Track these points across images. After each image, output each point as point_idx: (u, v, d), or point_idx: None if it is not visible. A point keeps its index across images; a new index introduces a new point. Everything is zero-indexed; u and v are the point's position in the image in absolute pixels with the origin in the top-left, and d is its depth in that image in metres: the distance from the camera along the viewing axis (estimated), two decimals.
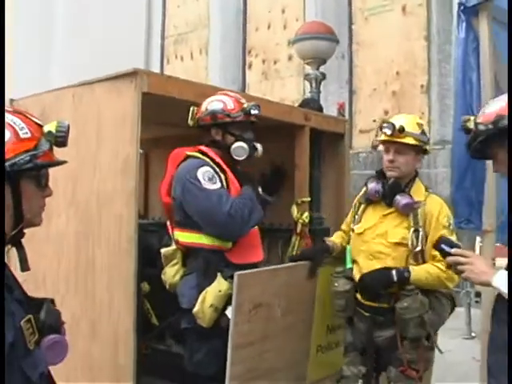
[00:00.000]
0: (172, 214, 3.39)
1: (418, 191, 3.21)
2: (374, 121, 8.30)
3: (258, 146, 3.38)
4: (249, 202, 3.18)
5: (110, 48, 9.91)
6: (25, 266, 1.64)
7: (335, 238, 3.63)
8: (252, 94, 4.87)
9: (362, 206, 3.36)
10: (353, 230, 3.36)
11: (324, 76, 5.64)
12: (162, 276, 3.43)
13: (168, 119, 4.37)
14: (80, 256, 3.50)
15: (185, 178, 3.18)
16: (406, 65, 8.25)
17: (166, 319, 4.78)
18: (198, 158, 3.27)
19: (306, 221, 4.42)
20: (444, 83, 7.60)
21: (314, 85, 5.54)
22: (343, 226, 3.60)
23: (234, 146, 3.27)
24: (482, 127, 2.33)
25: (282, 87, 9.57)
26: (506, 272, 2.24)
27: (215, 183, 3.14)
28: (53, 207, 3.44)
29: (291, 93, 9.27)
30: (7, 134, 1.57)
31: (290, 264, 3.53)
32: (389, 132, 3.17)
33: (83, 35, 10.74)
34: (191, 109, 3.36)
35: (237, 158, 3.28)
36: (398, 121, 3.20)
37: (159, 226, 5.04)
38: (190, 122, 3.36)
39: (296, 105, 5.35)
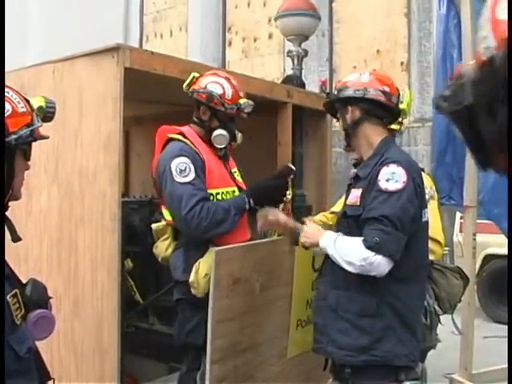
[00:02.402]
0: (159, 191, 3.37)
1: None
2: None
3: (239, 135, 3.36)
4: (219, 213, 3.10)
5: (88, 27, 9.76)
6: (16, 236, 1.63)
7: (317, 217, 3.66)
8: (235, 71, 4.82)
9: None
10: None
11: (306, 53, 5.62)
12: (154, 250, 3.42)
13: (150, 96, 4.33)
14: (63, 234, 3.47)
15: (163, 164, 3.16)
16: (386, 42, 8.23)
17: (148, 296, 4.78)
18: (180, 141, 3.23)
19: (289, 198, 4.42)
20: (424, 61, 7.63)
21: (295, 62, 5.51)
22: (334, 209, 3.59)
23: (214, 133, 3.25)
24: (334, 91, 2.76)
25: (262, 65, 9.52)
26: (332, 233, 2.58)
27: (186, 176, 3.09)
28: (34, 184, 3.40)
29: (271, 71, 9.23)
30: (8, 108, 1.57)
31: (269, 239, 3.53)
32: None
33: (61, 13, 10.56)
34: (192, 74, 3.31)
35: (217, 145, 3.27)
36: None
37: (140, 204, 5.03)
38: (185, 88, 3.31)
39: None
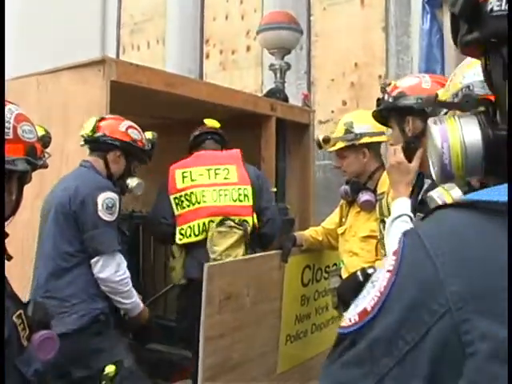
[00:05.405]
0: None
1: (383, 182, 3.21)
2: (333, 112, 8.35)
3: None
4: None
5: (65, 38, 9.67)
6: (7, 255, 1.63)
7: (307, 232, 3.64)
8: (216, 83, 4.81)
9: (347, 208, 3.35)
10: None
11: (289, 66, 5.62)
12: None
13: (134, 109, 4.29)
14: None
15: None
16: (364, 56, 8.27)
17: None
18: None
19: None
20: (402, 74, 7.65)
21: (278, 75, 5.51)
22: (325, 224, 3.57)
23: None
24: (386, 97, 2.36)
25: (239, 78, 9.49)
26: (405, 206, 2.21)
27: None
28: None
29: (249, 84, 9.20)
30: (35, 133, 1.58)
31: (259, 254, 3.52)
32: (318, 147, 3.37)
33: (36, 23, 10.44)
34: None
35: None
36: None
37: (121, 218, 4.97)
38: None
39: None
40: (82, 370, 2.86)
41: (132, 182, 3.19)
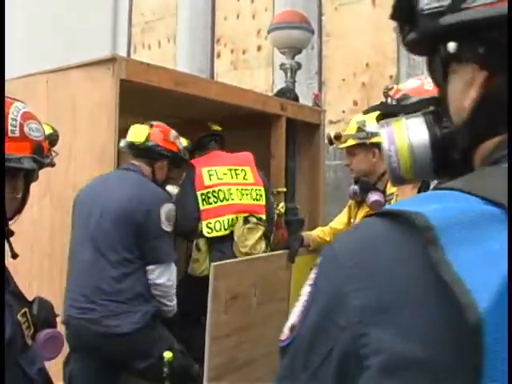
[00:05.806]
0: None
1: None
2: (343, 112, 8.32)
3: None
4: None
5: (76, 37, 9.69)
6: (14, 253, 1.63)
7: (314, 232, 3.64)
8: (227, 83, 4.80)
9: (355, 209, 3.34)
10: None
11: (299, 66, 5.60)
12: None
13: (143, 108, 4.29)
14: (54, 248, 3.42)
15: None
16: (375, 56, 8.24)
17: None
18: None
19: (282, 211, 4.42)
20: (413, 74, 7.63)
21: (289, 75, 5.49)
22: (333, 224, 3.56)
23: None
24: (389, 100, 2.37)
25: (250, 77, 9.47)
26: None
27: None
28: None
29: (260, 83, 9.18)
30: (42, 132, 1.59)
31: (266, 254, 3.52)
32: (329, 143, 3.44)
33: (47, 23, 10.46)
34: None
35: None
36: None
37: None
38: None
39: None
40: (146, 361, 3.01)
41: (172, 189, 3.42)
